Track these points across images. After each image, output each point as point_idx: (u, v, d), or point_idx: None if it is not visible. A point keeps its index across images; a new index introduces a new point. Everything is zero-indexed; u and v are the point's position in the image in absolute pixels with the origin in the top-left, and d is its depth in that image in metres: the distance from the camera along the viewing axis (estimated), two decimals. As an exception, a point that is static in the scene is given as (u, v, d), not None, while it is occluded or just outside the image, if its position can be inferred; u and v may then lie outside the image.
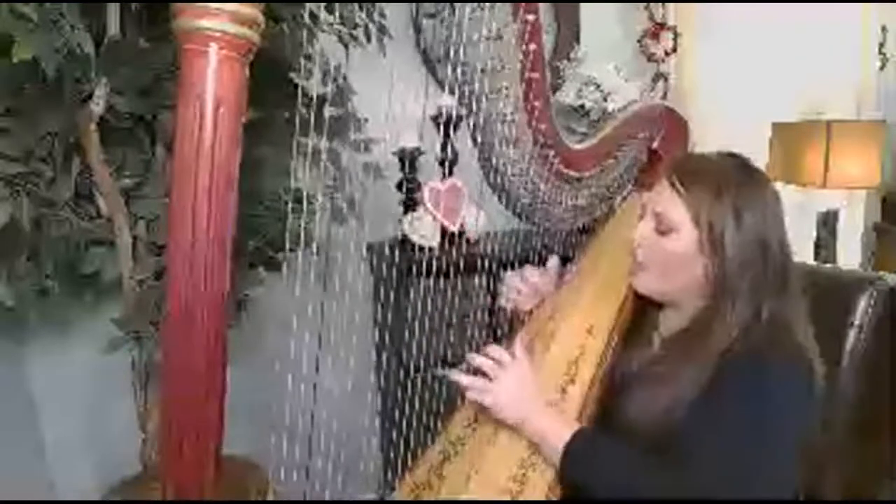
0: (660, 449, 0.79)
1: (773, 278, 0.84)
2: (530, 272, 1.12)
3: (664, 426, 0.81)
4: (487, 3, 0.81)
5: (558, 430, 0.82)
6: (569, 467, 0.81)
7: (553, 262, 1.13)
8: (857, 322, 1.05)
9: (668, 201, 0.87)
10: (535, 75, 0.87)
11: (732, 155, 0.90)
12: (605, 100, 1.79)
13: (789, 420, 0.77)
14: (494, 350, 0.90)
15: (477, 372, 0.89)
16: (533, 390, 0.87)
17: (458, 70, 0.85)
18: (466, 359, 0.92)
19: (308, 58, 1.15)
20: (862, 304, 1.06)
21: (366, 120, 1.39)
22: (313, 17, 1.14)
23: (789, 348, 0.80)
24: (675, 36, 2.07)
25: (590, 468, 0.80)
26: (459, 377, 0.90)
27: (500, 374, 0.87)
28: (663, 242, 0.87)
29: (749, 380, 0.78)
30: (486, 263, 1.44)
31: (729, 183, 0.84)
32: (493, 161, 0.95)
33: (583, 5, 2.01)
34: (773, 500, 0.77)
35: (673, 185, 0.87)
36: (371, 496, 1.68)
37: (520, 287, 1.11)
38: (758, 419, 0.75)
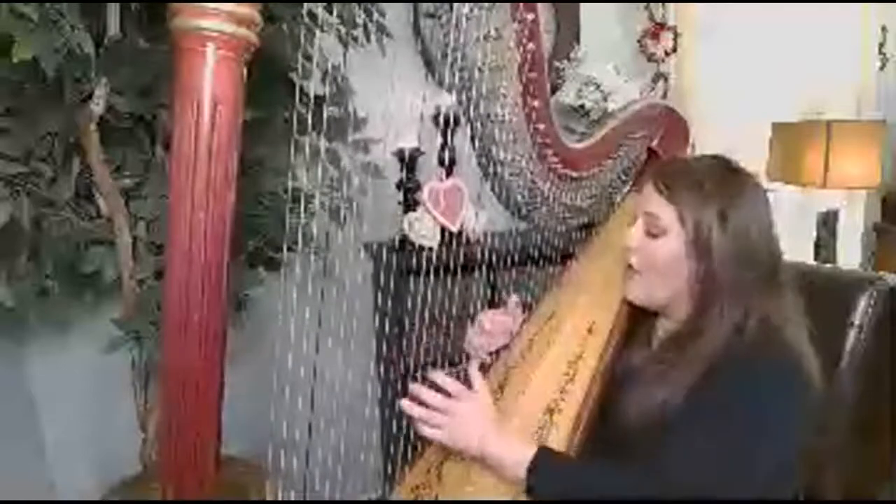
0: (656, 448, 0.79)
1: (762, 278, 0.83)
2: (486, 319, 1.11)
3: (661, 425, 0.80)
4: (487, 3, 0.81)
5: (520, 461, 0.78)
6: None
7: (512, 301, 1.13)
8: (857, 322, 1.05)
9: (656, 205, 0.87)
10: (535, 75, 0.87)
11: (716, 157, 0.90)
12: (605, 100, 1.79)
13: (781, 417, 0.77)
14: (450, 383, 0.84)
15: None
16: (491, 426, 0.82)
17: (458, 70, 0.85)
18: (412, 390, 0.84)
19: (307, 57, 1.15)
20: (862, 304, 1.06)
21: (365, 120, 1.38)
22: (312, 16, 1.13)
23: (777, 347, 0.80)
24: (675, 36, 2.07)
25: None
26: (412, 408, 0.84)
27: (457, 409, 0.82)
28: (654, 246, 0.88)
29: (739, 382, 0.78)
30: (486, 263, 1.44)
31: (713, 184, 0.84)
32: (493, 161, 0.95)
33: (583, 5, 2.01)
34: (773, 500, 0.77)
35: (658, 188, 0.87)
36: (371, 496, 1.68)
37: (482, 342, 1.09)
38: (749, 420, 0.75)
